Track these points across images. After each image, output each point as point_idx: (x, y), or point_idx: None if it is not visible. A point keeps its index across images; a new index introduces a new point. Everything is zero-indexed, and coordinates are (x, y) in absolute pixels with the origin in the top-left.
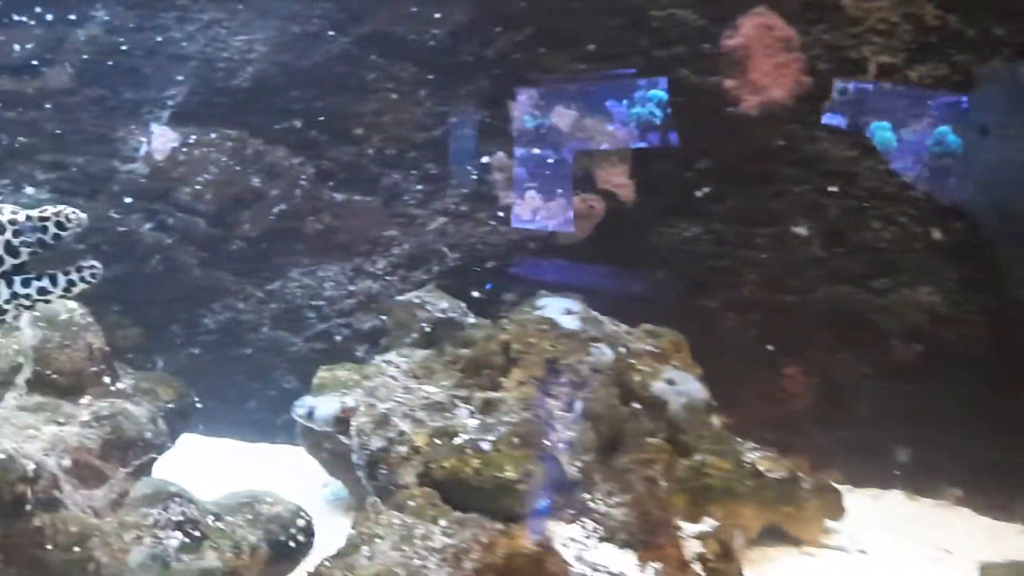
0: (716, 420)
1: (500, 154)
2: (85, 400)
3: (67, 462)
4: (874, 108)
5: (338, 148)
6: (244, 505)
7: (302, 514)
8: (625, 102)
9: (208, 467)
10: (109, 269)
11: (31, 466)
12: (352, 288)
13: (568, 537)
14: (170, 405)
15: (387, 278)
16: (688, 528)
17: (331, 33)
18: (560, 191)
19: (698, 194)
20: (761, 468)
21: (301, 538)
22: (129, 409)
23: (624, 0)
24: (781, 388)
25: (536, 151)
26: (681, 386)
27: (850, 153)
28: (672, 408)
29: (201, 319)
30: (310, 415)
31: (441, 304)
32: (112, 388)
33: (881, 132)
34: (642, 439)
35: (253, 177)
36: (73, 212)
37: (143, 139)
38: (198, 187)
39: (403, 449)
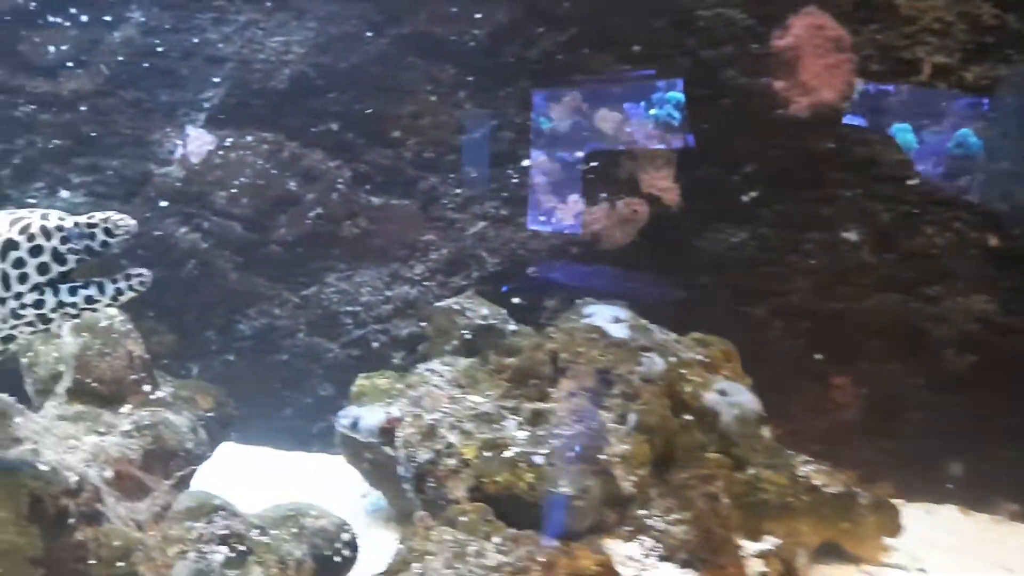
0: (767, 432)
1: (542, 157)
2: (125, 409)
3: (109, 473)
4: (926, 111)
5: (375, 151)
6: (288, 518)
7: (347, 528)
8: (643, 104)
9: (244, 477)
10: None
11: (74, 478)
12: (389, 294)
13: (626, 555)
14: (210, 414)
15: (425, 283)
16: (749, 546)
17: (369, 34)
18: (603, 195)
19: (745, 198)
20: (816, 482)
21: (346, 552)
22: (170, 418)
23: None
24: (829, 399)
25: (579, 154)
26: (733, 397)
27: (902, 156)
28: (724, 420)
29: (236, 325)
30: (354, 425)
31: (481, 310)
32: (152, 397)
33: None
34: (700, 453)
35: (289, 180)
36: (122, 218)
37: (179, 142)
38: (234, 191)
39: (451, 462)
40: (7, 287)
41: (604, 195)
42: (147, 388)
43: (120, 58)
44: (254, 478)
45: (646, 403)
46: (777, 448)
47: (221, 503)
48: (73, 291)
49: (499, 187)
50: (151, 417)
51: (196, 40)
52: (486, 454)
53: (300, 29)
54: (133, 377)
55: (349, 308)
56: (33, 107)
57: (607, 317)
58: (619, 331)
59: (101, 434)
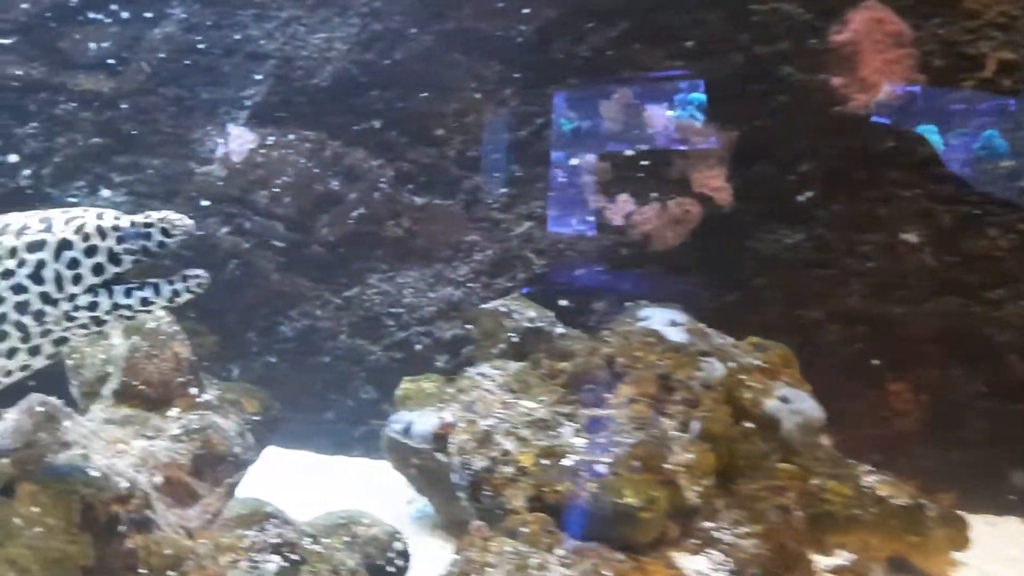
0: (826, 440)
1: (590, 156)
2: (173, 412)
3: (158, 479)
4: (989, 112)
5: (418, 149)
6: (341, 526)
7: (399, 536)
8: (665, 104)
9: (287, 481)
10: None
11: (124, 484)
12: (432, 295)
13: (694, 570)
14: (256, 417)
15: (469, 285)
16: (820, 561)
17: (413, 30)
18: (653, 194)
19: (801, 198)
20: (883, 493)
21: (399, 562)
22: (218, 422)
23: None
24: (887, 406)
25: (629, 152)
26: (795, 404)
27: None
28: (785, 428)
29: (278, 326)
30: (407, 431)
31: (528, 313)
32: (199, 400)
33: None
34: (766, 463)
35: (332, 180)
36: (179, 218)
37: (220, 140)
38: (276, 190)
39: (508, 469)
40: (60, 288)
41: (655, 195)
42: (194, 391)
43: (161, 55)
44: (297, 483)
45: (709, 410)
46: (839, 457)
47: (273, 510)
48: (128, 293)
49: (546, 186)
50: (200, 421)
51: (238, 37)
52: (544, 462)
53: (343, 25)
54: (180, 380)
55: (392, 310)
56: (74, 105)
57: (663, 320)
58: (677, 335)
59: (149, 438)
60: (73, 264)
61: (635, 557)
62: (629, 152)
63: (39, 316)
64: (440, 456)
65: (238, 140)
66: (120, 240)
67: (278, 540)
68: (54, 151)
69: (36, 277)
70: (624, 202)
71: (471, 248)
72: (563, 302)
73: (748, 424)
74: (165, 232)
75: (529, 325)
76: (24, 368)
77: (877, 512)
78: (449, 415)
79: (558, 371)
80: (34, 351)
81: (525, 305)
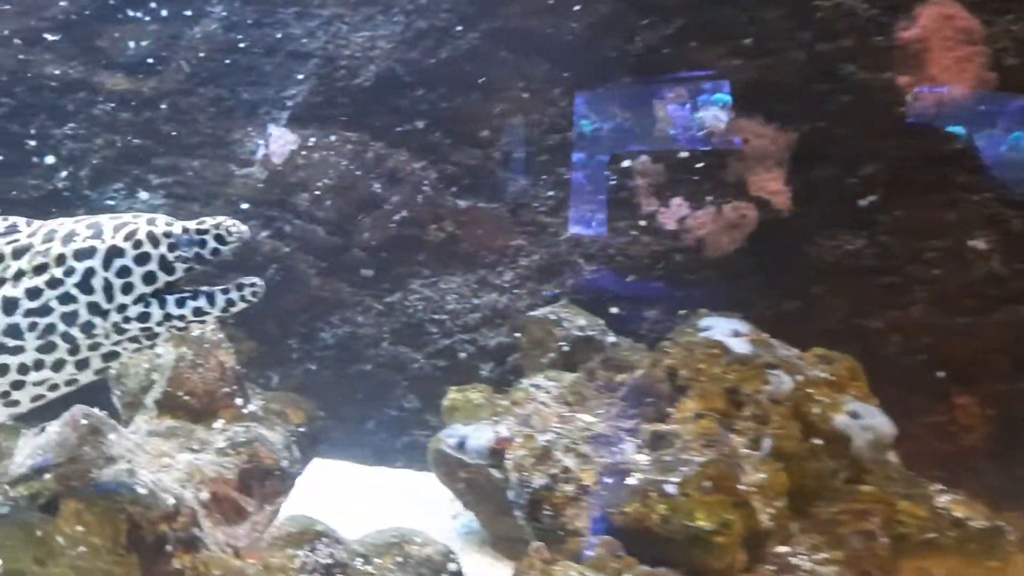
0: (894, 457)
1: (643, 157)
2: (218, 424)
3: (205, 495)
4: None
5: (463, 151)
6: (392, 546)
7: (453, 557)
8: (688, 106)
9: (330, 494)
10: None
11: (171, 501)
12: (477, 301)
13: None
14: (301, 429)
15: (515, 291)
16: None
17: (459, 28)
18: (709, 198)
19: (863, 203)
20: (959, 515)
21: None
22: (265, 435)
23: None
24: (953, 420)
25: (683, 154)
26: (866, 419)
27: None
28: (856, 445)
29: (318, 333)
30: (461, 446)
31: (578, 321)
32: (244, 411)
33: None
34: (844, 484)
35: (374, 182)
36: (234, 224)
37: (260, 142)
38: (317, 193)
39: (569, 488)
40: (110, 298)
41: (710, 198)
42: (239, 401)
43: (201, 54)
44: (340, 495)
45: (780, 427)
46: (911, 476)
47: (324, 529)
48: (181, 303)
49: (595, 189)
50: (246, 433)
51: (279, 35)
52: (607, 480)
53: (387, 24)
54: (225, 390)
55: (435, 316)
56: (112, 105)
57: (726, 331)
58: (741, 346)
59: (195, 451)
60: (124, 272)
61: None
62: (683, 154)
63: (88, 328)
64: (494, 472)
65: (279, 141)
66: (172, 247)
67: (330, 561)
68: (92, 152)
69: (85, 286)
70: (678, 206)
71: (517, 253)
72: (614, 309)
73: (816, 441)
74: (220, 239)
75: (579, 334)
76: (70, 383)
77: (955, 536)
78: (505, 429)
79: (616, 383)
80: (82, 364)
81: (575, 313)
